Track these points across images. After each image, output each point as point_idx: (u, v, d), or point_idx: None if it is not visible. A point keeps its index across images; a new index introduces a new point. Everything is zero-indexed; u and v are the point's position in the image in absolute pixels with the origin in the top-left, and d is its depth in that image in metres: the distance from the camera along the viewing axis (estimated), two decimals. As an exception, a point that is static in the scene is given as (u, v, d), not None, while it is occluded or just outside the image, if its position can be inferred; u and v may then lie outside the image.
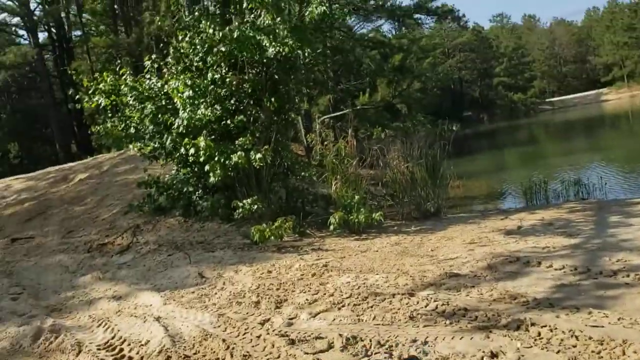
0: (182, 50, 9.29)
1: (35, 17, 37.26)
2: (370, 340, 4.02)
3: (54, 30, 38.75)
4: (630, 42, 65.90)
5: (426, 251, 6.74)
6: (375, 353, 3.85)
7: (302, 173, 9.25)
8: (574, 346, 3.53)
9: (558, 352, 3.48)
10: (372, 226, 8.52)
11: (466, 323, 4.17)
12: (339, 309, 4.89)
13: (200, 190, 9.75)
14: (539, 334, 3.80)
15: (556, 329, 3.82)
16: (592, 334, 3.65)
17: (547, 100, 70.61)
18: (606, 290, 4.51)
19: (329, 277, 5.94)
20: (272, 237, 7.55)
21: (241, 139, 8.50)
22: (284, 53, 8.45)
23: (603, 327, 3.76)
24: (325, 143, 9.61)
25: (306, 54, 8.66)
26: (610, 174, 13.68)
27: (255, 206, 8.09)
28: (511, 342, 3.72)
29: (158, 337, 4.71)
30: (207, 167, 8.28)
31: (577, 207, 8.79)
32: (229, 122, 8.90)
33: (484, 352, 3.60)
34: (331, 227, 8.03)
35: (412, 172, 9.22)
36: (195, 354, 4.33)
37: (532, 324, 3.96)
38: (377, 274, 5.81)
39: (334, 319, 4.64)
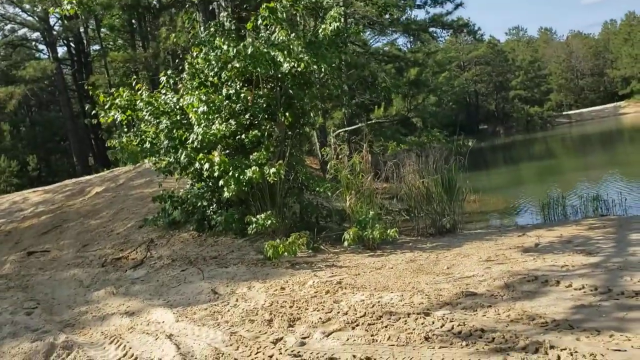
0: (197, 66, 9.33)
1: (54, 32, 37.99)
2: (385, 362, 3.93)
3: (72, 45, 39.49)
4: (649, 55, 65.31)
5: (442, 269, 6.63)
6: (390, 376, 3.77)
7: (317, 188, 9.19)
8: (596, 371, 3.42)
9: (579, 377, 3.37)
10: (387, 242, 8.44)
11: (483, 345, 4.07)
12: (353, 328, 4.81)
13: (214, 205, 9.75)
14: (559, 357, 3.69)
15: (576, 352, 3.71)
16: (614, 358, 3.54)
17: (564, 113, 70.01)
18: (628, 312, 4.38)
19: (343, 295, 5.86)
20: (286, 253, 7.50)
21: (255, 153, 8.49)
22: (299, 69, 8.46)
23: (626, 350, 3.64)
24: (340, 157, 9.56)
25: (322, 69, 8.65)
26: (630, 190, 13.46)
27: (269, 221, 8.04)
28: (530, 366, 3.61)
29: (170, 355, 4.66)
30: (221, 182, 8.28)
31: (597, 224, 8.62)
32: (243, 136, 8.90)
33: (501, 376, 3.50)
34: (345, 243, 7.96)
35: (428, 187, 9.13)
36: (206, 373, 4.27)
37: (551, 347, 3.85)
38: (392, 292, 5.72)
39: (348, 339, 4.56)
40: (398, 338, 4.40)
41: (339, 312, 5.28)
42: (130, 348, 5.05)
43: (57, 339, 5.63)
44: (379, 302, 5.42)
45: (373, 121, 21.28)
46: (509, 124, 65.91)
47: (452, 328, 4.46)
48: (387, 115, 23.70)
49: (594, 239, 7.34)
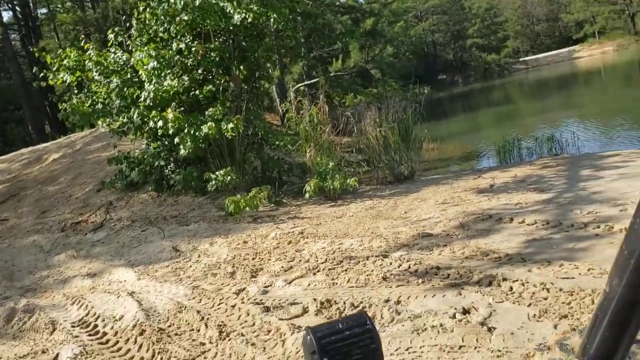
0: (145, 21, 9.03)
1: (-3, -5, 36.02)
2: (344, 303, 4.03)
3: (18, 9, 37.52)
4: (601, -2, 66.18)
5: (400, 213, 6.76)
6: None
7: (276, 142, 9.14)
8: (545, 298, 3.57)
9: (529, 305, 3.52)
10: (347, 192, 8.52)
11: (438, 281, 4.20)
12: (314, 274, 4.89)
13: (172, 164, 9.63)
14: (511, 288, 3.84)
15: (528, 282, 3.86)
16: (562, 285, 3.70)
17: (520, 59, 70.73)
18: (577, 243, 4.57)
19: (305, 244, 5.93)
20: (248, 208, 7.50)
21: (211, 109, 8.36)
22: (249, 20, 8.26)
23: (574, 278, 3.81)
24: (301, 112, 9.49)
25: (272, 21, 8.47)
26: (584, 130, 13.84)
27: (229, 177, 8.00)
28: (483, 298, 3.75)
29: (132, 311, 4.67)
30: (177, 140, 8.15)
31: (550, 163, 8.87)
32: (197, 92, 8.74)
33: (455, 308, 3.63)
34: (307, 195, 8.00)
35: (385, 136, 9.18)
36: (169, 326, 4.31)
37: (504, 279, 4.00)
38: (352, 238, 5.82)
39: (309, 285, 4.65)
40: (357, 280, 4.51)
41: (300, 261, 5.35)
42: (92, 307, 5.04)
43: (18, 303, 5.57)
44: (339, 248, 5.51)
45: (332, 74, 21.12)
46: (467, 72, 66.31)
47: (409, 267, 4.59)
48: (345, 67, 23.54)
49: (547, 177, 7.56)
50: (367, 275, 4.56)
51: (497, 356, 2.98)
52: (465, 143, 15.70)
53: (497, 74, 63.21)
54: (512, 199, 6.52)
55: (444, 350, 3.18)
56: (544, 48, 75.15)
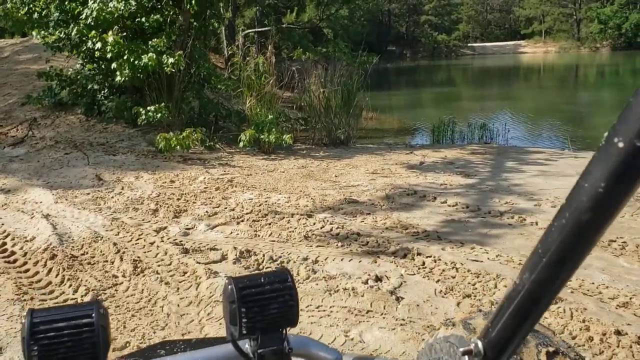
0: None
1: None
2: (264, 255, 4.09)
3: None
4: (553, -2, 68.11)
5: (330, 176, 6.86)
6: (267, 268, 3.94)
7: (218, 85, 8.94)
8: (453, 277, 3.78)
9: (438, 281, 3.72)
10: (282, 147, 8.52)
11: (357, 247, 4.34)
12: (238, 223, 4.92)
13: (106, 90, 9.24)
14: (424, 263, 4.03)
15: (440, 260, 4.06)
16: (471, 267, 3.92)
17: (469, 45, 72.04)
18: (491, 229, 4.83)
19: (233, 193, 5.93)
20: (179, 147, 7.36)
21: (155, 40, 8.04)
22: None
23: (482, 262, 4.05)
24: (247, 59, 9.28)
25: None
26: (515, 122, 14.40)
27: (160, 114, 7.78)
28: (396, 269, 3.92)
29: (45, 234, 4.54)
30: (114, 65, 7.81)
31: (479, 150, 9.21)
32: (143, 20, 8.36)
33: (369, 275, 3.78)
34: (241, 144, 7.93)
35: (328, 98, 9.19)
36: (83, 254, 4.23)
37: (419, 254, 4.18)
38: (280, 194, 5.87)
39: (231, 233, 4.68)
40: (279, 235, 4.58)
41: (226, 208, 5.36)
42: (2, 224, 4.85)
43: None
44: (266, 201, 5.55)
45: (284, 25, 20.72)
46: (417, 48, 66.91)
47: (331, 230, 4.70)
48: (298, 21, 23.13)
49: (474, 163, 7.87)
50: (290, 231, 4.64)
51: (401, 324, 3.15)
52: (403, 118, 15.95)
53: (445, 55, 64.25)
54: (439, 179, 6.75)
55: (352, 313, 3.32)
56: (493, 37, 76.80)
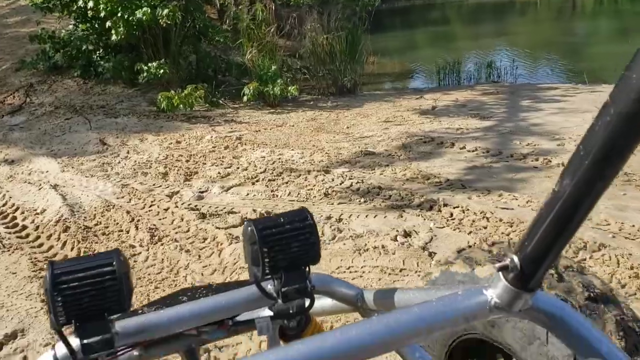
0: None
1: None
2: (285, 217, 3.93)
3: None
4: None
5: (342, 128, 6.63)
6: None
7: (216, 37, 8.55)
8: (485, 227, 3.62)
9: (470, 232, 3.56)
10: (288, 99, 8.23)
11: (380, 201, 4.17)
12: (253, 184, 4.74)
13: (101, 50, 8.89)
14: (451, 214, 3.87)
15: (468, 210, 3.90)
16: (502, 216, 3.75)
17: (464, -20, 70.14)
18: (516, 174, 4.64)
19: (243, 151, 5.72)
20: (182, 106, 7.09)
21: (148, -6, 7.64)
22: None
23: (513, 209, 3.88)
24: (240, 6, 8.84)
25: None
26: (519, 59, 13.96)
27: (162, 70, 7.49)
28: (424, 222, 3.76)
29: (55, 205, 4.37)
30: (108, 24, 7.44)
31: (490, 90, 8.90)
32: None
33: (397, 231, 3.62)
34: (245, 98, 7.65)
35: (331, 44, 8.81)
36: (96, 224, 4.07)
37: (445, 205, 4.02)
38: (292, 150, 5.66)
39: (248, 194, 4.50)
40: (298, 194, 4.40)
41: (238, 168, 5.16)
42: (10, 198, 4.68)
43: None
44: (279, 159, 5.35)
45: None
46: (412, -13, 65.22)
47: (351, 185, 4.52)
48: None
49: (488, 104, 7.59)
50: (309, 189, 4.46)
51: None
52: (404, 60, 15.46)
53: (440, -8, 62.43)
54: (454, 124, 6.52)
55: (385, 272, 3.18)
56: (489, -29, 74.55)
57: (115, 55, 8.57)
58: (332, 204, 4.17)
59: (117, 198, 4.56)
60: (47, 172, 5.34)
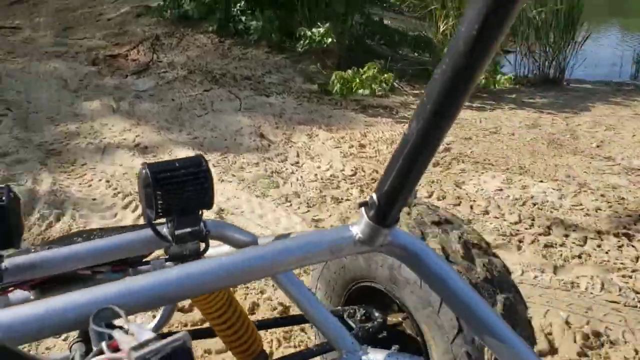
0: None
1: None
2: None
3: None
4: None
5: (588, 145, 4.63)
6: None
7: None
8: None
9: None
10: (480, 89, 6.34)
11: None
12: (519, 247, 3.02)
13: (242, 2, 7.32)
14: None
15: None
16: None
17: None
18: None
19: (461, 173, 4.02)
20: (361, 90, 5.39)
21: None
22: None
23: None
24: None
25: None
26: None
27: (330, 40, 5.81)
28: None
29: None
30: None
31: None
32: None
33: None
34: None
35: (544, 11, 6.55)
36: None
37: None
38: (539, 180, 3.87)
39: (523, 273, 2.79)
40: (621, 290, 2.63)
41: (472, 207, 3.45)
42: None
43: (39, 181, 3.79)
44: (526, 195, 3.59)
45: None
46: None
47: None
48: None
49: None
50: (624, 277, 2.67)
51: None
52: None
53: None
54: None
55: None
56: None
57: (261, 11, 6.97)
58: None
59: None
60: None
